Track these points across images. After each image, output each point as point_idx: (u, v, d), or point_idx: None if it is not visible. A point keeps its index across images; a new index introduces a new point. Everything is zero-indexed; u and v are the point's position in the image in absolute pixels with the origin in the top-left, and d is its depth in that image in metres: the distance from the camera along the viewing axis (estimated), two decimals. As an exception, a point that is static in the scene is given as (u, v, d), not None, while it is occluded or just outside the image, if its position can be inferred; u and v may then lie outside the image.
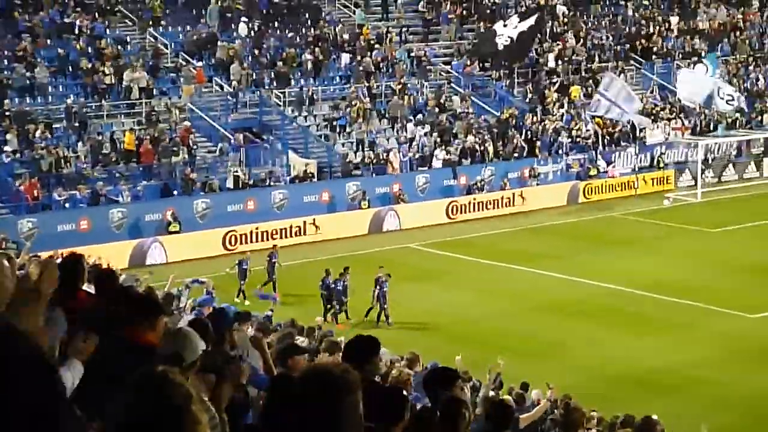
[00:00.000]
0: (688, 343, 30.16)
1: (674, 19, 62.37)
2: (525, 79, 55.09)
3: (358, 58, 51.31)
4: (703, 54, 59.23)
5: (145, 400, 3.24)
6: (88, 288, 8.44)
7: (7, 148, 40.06)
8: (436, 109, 50.24)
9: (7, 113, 41.49)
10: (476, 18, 57.43)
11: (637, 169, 52.21)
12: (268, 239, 40.66)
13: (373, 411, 4.84)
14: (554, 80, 55.00)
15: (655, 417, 14.44)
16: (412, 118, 49.27)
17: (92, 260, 21.14)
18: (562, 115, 52.75)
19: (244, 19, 50.89)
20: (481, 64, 54.63)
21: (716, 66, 53.97)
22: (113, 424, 3.29)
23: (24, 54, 44.27)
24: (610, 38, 59.53)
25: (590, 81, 54.93)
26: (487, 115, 51.58)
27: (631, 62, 58.94)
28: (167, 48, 48.42)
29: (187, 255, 38.53)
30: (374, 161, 46.45)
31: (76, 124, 42.37)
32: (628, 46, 59.42)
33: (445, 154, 47.81)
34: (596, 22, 60.90)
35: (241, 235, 40.91)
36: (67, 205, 39.39)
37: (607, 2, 63.12)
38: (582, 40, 58.13)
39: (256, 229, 41.27)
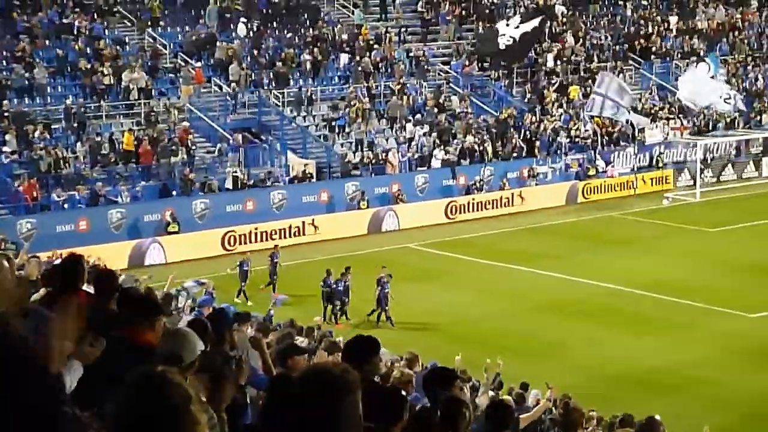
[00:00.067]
0: (687, 343, 30.15)
1: (673, 19, 62.39)
2: (524, 79, 55.10)
3: (357, 58, 51.31)
4: (702, 54, 59.33)
5: (144, 399, 3.24)
6: (88, 288, 8.43)
7: (5, 149, 40.04)
8: (435, 109, 50.24)
9: (5, 114, 41.47)
10: (475, 18, 57.44)
11: (636, 168, 52.21)
12: (267, 239, 40.67)
13: (372, 411, 4.83)
14: (553, 80, 55.01)
15: (658, 417, 14.39)
16: (411, 118, 49.27)
17: (91, 261, 21.15)
18: (561, 115, 52.76)
19: (242, 19, 50.89)
20: (480, 65, 54.64)
21: (718, 65, 54.06)
22: (112, 423, 3.28)
23: (23, 54, 44.27)
24: (609, 38, 59.54)
25: (589, 81, 54.90)
26: (486, 115, 51.59)
27: (630, 62, 58.96)
28: (166, 48, 48.41)
29: (186, 255, 38.51)
30: (373, 161, 46.46)
31: (75, 125, 42.36)
32: (626, 46, 59.44)
33: (444, 154, 47.81)
34: (595, 22, 60.90)
35: (240, 236, 40.91)
36: (66, 205, 39.39)
37: (606, 2, 63.12)
38: (581, 40, 58.13)
39: (255, 229, 41.27)
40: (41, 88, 43.47)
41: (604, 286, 35.70)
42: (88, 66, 44.87)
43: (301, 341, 18.18)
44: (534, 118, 51.54)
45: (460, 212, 46.51)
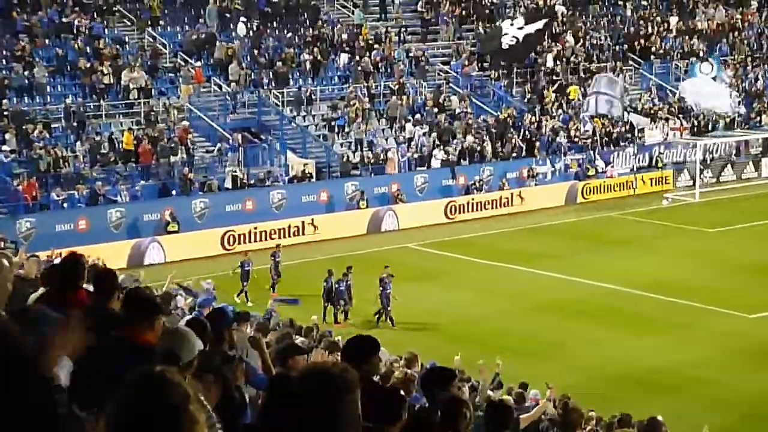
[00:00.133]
0: (687, 343, 30.15)
1: (673, 20, 62.39)
2: (523, 79, 55.10)
3: (357, 58, 51.31)
4: (701, 54, 59.39)
5: (144, 399, 3.24)
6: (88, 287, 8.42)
7: (5, 148, 40.03)
8: (435, 109, 50.23)
9: (5, 113, 41.46)
10: (475, 18, 57.45)
11: (635, 169, 52.21)
12: (266, 239, 40.68)
13: (371, 411, 4.82)
14: (553, 80, 55.01)
15: (660, 418, 14.42)
16: (410, 118, 49.27)
17: (91, 260, 21.13)
18: (561, 115, 52.76)
19: (242, 19, 50.88)
20: (479, 65, 54.65)
21: (720, 67, 54.28)
22: (112, 423, 3.28)
23: (22, 54, 44.26)
24: (609, 38, 59.54)
25: (588, 81, 54.91)
26: (485, 115, 51.59)
27: (630, 62, 58.95)
28: (166, 48, 48.41)
29: (186, 255, 38.51)
30: (373, 161, 46.46)
31: (75, 124, 42.35)
32: (626, 46, 59.44)
33: (443, 154, 47.81)
34: (595, 23, 60.90)
35: (239, 235, 40.91)
36: (65, 204, 39.38)
37: (606, 2, 63.12)
38: (581, 40, 58.13)
39: (255, 229, 41.27)
40: (41, 88, 43.47)
41: (603, 286, 35.70)
42: (88, 65, 44.87)
43: (300, 341, 18.18)
44: (533, 118, 51.55)
45: (460, 212, 46.52)
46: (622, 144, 52.94)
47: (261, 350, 10.43)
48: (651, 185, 52.02)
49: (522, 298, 34.56)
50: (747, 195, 51.28)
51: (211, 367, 7.00)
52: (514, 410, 12.45)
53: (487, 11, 58.06)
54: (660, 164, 53.17)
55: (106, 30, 47.95)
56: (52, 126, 42.16)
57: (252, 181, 43.76)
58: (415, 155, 47.72)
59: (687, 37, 61.28)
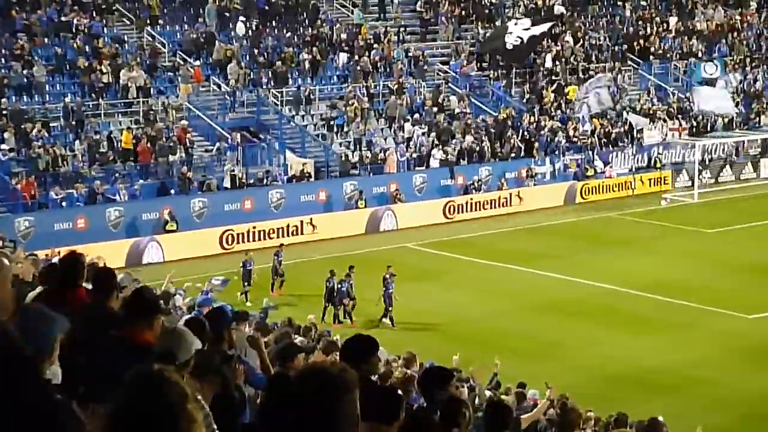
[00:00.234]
0: (686, 343, 30.17)
1: (672, 20, 62.40)
2: (522, 80, 55.10)
3: (356, 57, 51.31)
4: (700, 54, 59.46)
5: (142, 398, 3.24)
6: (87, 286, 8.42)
7: (4, 147, 40.01)
8: (434, 109, 50.23)
9: (4, 112, 41.44)
10: (474, 18, 57.45)
11: (634, 169, 52.22)
12: (265, 238, 40.69)
13: (369, 410, 4.82)
14: (552, 80, 55.00)
15: (660, 418, 14.42)
16: (409, 117, 49.26)
17: (89, 259, 21.11)
18: (559, 115, 52.76)
19: (241, 18, 50.87)
20: (479, 64, 54.66)
21: (724, 69, 54.56)
22: (111, 423, 3.28)
23: (21, 52, 44.24)
24: (608, 39, 59.55)
25: (592, 81, 54.91)
26: (484, 115, 51.59)
27: (629, 63, 58.95)
28: (165, 47, 48.40)
29: (185, 254, 38.51)
30: (371, 161, 46.45)
31: (74, 123, 42.33)
32: (625, 46, 59.43)
33: (442, 154, 47.80)
34: (594, 23, 60.90)
35: (238, 234, 40.91)
36: (64, 203, 39.36)
37: (605, 3, 63.13)
38: (580, 40, 58.13)
39: (253, 228, 41.26)
40: (40, 86, 43.46)
41: (602, 286, 35.71)
42: (87, 64, 44.84)
43: (299, 341, 18.18)
44: (532, 118, 51.55)
45: (459, 212, 46.51)
46: (620, 144, 52.95)
47: (260, 349, 10.43)
48: (650, 186, 52.03)
49: (521, 298, 34.57)
50: (746, 195, 51.30)
51: (210, 366, 7.00)
52: (513, 410, 12.45)
53: (487, 11, 58.06)
54: (659, 165, 53.19)
55: (105, 29, 47.94)
56: (51, 125, 42.14)
57: (251, 181, 43.77)
58: (414, 155, 47.71)
59: (686, 38, 61.30)
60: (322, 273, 33.20)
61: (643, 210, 48.11)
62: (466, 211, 46.65)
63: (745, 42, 62.92)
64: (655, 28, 61.22)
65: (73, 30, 46.67)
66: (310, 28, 52.27)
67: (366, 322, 31.93)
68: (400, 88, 50.41)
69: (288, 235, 41.65)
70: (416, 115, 49.63)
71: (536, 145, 50.10)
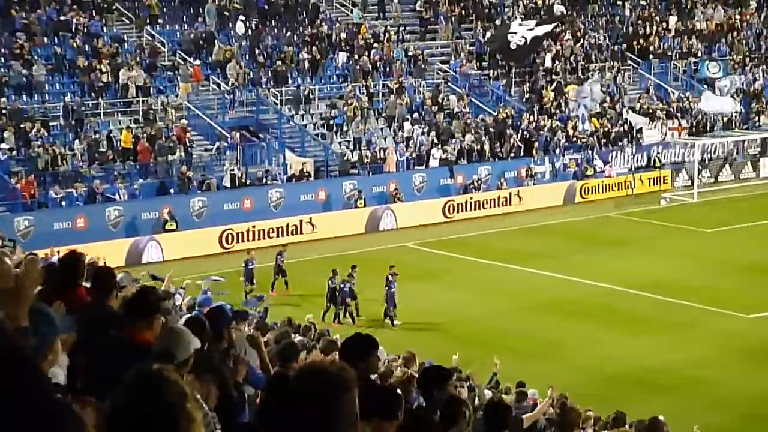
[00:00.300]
0: (686, 343, 30.17)
1: (672, 20, 62.40)
2: (522, 79, 55.10)
3: (356, 57, 51.30)
4: (699, 54, 59.46)
5: (141, 398, 3.24)
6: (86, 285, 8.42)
7: (3, 146, 40.01)
8: (434, 109, 50.23)
9: (3, 111, 41.44)
10: (474, 18, 57.45)
11: (633, 169, 52.21)
12: (264, 238, 40.70)
13: (368, 409, 4.82)
14: (551, 80, 55.00)
15: (661, 418, 14.39)
16: (409, 117, 49.25)
17: (89, 258, 21.09)
18: (559, 114, 52.77)
19: (241, 17, 50.87)
20: (478, 64, 54.66)
21: (727, 69, 54.69)
22: (110, 422, 3.28)
23: (21, 52, 44.24)
24: (607, 38, 59.55)
25: (587, 81, 54.93)
26: (484, 115, 51.59)
27: (628, 62, 58.95)
28: (164, 46, 48.40)
29: (184, 253, 38.50)
30: (371, 160, 46.45)
31: (73, 122, 42.33)
32: (625, 46, 59.44)
33: (441, 154, 47.80)
34: (593, 22, 60.90)
35: (237, 234, 40.90)
36: (63, 203, 39.36)
37: (605, 2, 63.12)
38: (579, 40, 58.13)
39: (253, 227, 41.26)
40: (39, 86, 43.45)
41: (602, 286, 35.70)
42: (86, 63, 44.84)
43: (298, 340, 18.18)
44: (532, 117, 51.54)
45: (458, 211, 46.50)
46: (620, 144, 52.95)
47: (259, 349, 10.43)
48: (649, 185, 52.02)
49: (520, 297, 34.56)
50: (745, 195, 51.29)
51: (209, 365, 7.00)
52: (512, 410, 12.44)
53: (486, 11, 58.05)
54: (658, 164, 53.17)
55: (104, 28, 47.94)
56: (51, 124, 42.14)
57: (250, 180, 43.76)
58: (414, 154, 47.70)
59: (686, 37, 61.29)
60: (321, 272, 33.20)
61: (642, 209, 48.10)
62: (466, 210, 46.65)
63: (744, 42, 62.91)
64: (654, 28, 61.22)
65: (73, 29, 46.66)
66: (309, 28, 52.26)
67: (367, 321, 31.92)
68: (400, 87, 50.41)
69: (287, 235, 41.66)
70: (416, 115, 49.63)
71: (536, 144, 50.10)
